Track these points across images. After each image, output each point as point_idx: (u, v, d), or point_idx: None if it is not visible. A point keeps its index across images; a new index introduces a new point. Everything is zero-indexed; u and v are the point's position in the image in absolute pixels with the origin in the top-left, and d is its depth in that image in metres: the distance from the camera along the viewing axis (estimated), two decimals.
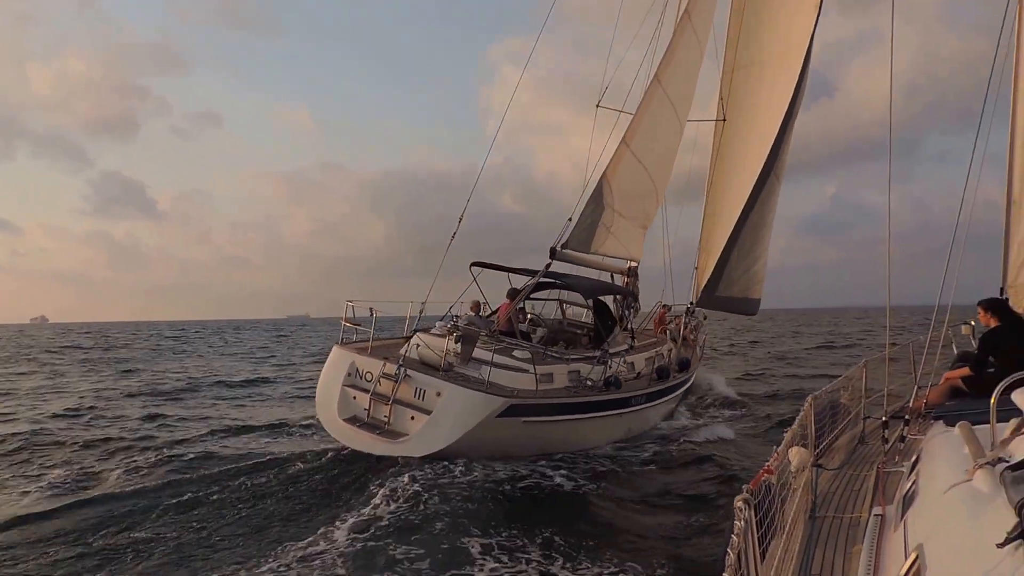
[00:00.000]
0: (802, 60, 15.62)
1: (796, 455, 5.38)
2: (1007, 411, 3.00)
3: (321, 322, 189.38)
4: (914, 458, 4.32)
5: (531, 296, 15.09)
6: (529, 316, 15.63)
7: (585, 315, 16.76)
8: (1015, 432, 2.57)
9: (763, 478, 3.86)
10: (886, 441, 6.13)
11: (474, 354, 11.83)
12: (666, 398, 15.30)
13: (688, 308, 18.80)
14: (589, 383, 12.58)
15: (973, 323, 8.39)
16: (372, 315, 12.33)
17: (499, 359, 11.53)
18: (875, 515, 4.26)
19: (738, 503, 2.94)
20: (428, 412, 10.85)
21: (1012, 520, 1.86)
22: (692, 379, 17.82)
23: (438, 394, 10.89)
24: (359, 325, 12.50)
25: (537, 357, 12.14)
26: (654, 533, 8.73)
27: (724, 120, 18.29)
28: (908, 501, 3.39)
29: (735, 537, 2.73)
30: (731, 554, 2.63)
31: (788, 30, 16.33)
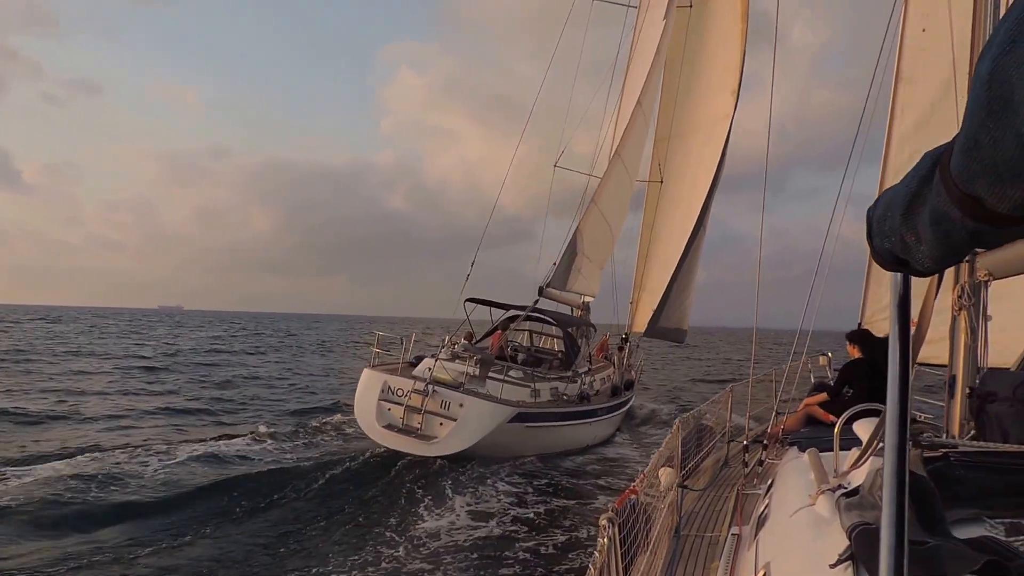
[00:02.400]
0: (725, 133, 19.54)
1: (665, 475, 5.63)
2: (850, 440, 3.23)
3: (196, 317, 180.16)
4: (770, 481, 4.56)
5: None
6: (509, 343, 18.66)
7: (548, 341, 20.57)
8: (855, 461, 2.77)
9: (628, 497, 4.02)
10: (746, 465, 6.44)
11: (468, 373, 14.71)
12: (620, 411, 19.03)
13: (623, 337, 22.35)
14: (566, 397, 16.37)
15: (830, 354, 8.98)
16: (403, 343, 16.18)
17: (505, 377, 14.89)
18: (732, 534, 4.48)
19: (602, 521, 3.05)
20: (454, 419, 13.63)
21: (844, 543, 2.02)
22: (633, 397, 21.17)
23: (461, 405, 13.77)
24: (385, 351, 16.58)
25: (528, 376, 15.55)
26: (539, 545, 9.26)
27: (661, 181, 22.38)
28: (761, 522, 3.59)
29: (598, 554, 2.84)
30: (592, 570, 2.74)
31: (713, 108, 20.41)
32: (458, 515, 10.51)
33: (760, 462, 6.12)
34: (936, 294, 1.88)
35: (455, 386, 14.19)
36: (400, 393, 14.34)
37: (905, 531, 1.16)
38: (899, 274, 1.25)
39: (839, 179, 6.88)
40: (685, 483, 6.44)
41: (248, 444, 15.12)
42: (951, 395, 3.85)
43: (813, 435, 4.78)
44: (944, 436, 3.56)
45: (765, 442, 6.30)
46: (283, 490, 11.55)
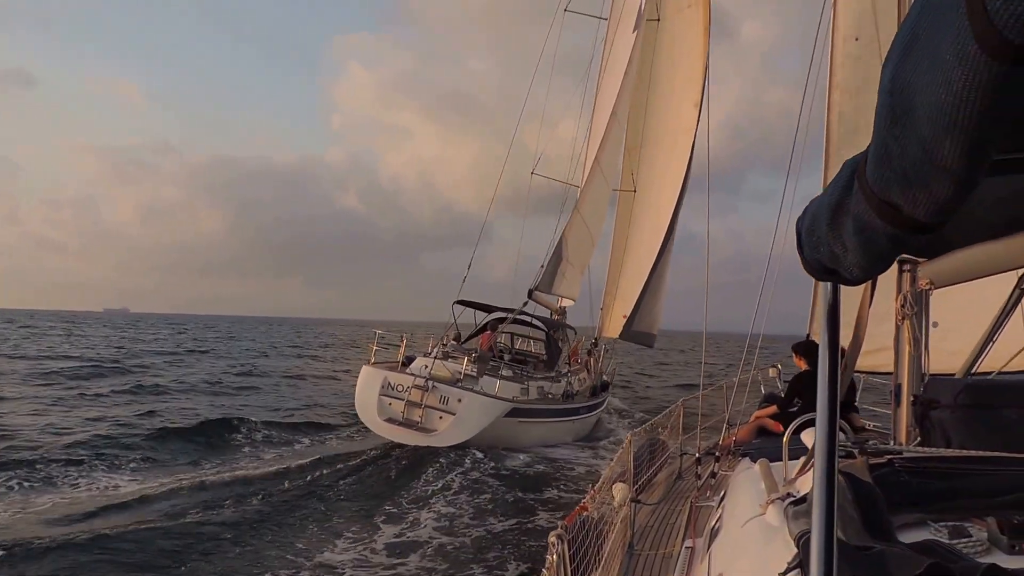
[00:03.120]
0: (690, 145, 20.33)
1: (618, 491, 5.60)
2: (799, 450, 3.25)
3: (145, 319, 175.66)
4: (722, 493, 4.58)
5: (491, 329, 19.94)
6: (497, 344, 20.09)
7: (527, 343, 21.89)
8: (802, 470, 2.78)
9: (578, 514, 3.98)
10: (699, 477, 6.47)
11: (465, 371, 15.88)
12: (599, 411, 20.55)
13: (593, 341, 23.59)
14: (551, 396, 17.63)
15: (779, 366, 9.10)
16: (403, 341, 17.82)
17: (500, 376, 16.30)
18: (686, 547, 4.47)
19: (551, 538, 3.02)
20: (452, 413, 14.95)
21: (792, 551, 2.02)
22: (608, 398, 22.66)
23: (459, 400, 15.07)
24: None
25: (519, 375, 17.19)
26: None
27: (635, 191, 23.43)
28: (714, 534, 3.59)
29: (546, 571, 2.80)
30: None
31: (677, 120, 21.34)
32: (423, 522, 10.59)
33: (713, 474, 6.15)
34: (870, 303, 1.90)
35: (452, 382, 15.52)
36: (400, 388, 15.55)
37: (834, 531, 1.17)
38: (829, 284, 1.27)
39: (790, 181, 7.00)
40: (638, 498, 6.44)
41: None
42: (897, 403, 3.91)
43: (764, 446, 4.81)
44: (892, 444, 3.60)
45: (717, 454, 6.35)
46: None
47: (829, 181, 1.11)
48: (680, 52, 21.71)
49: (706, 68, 20.34)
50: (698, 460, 6.62)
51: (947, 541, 2.01)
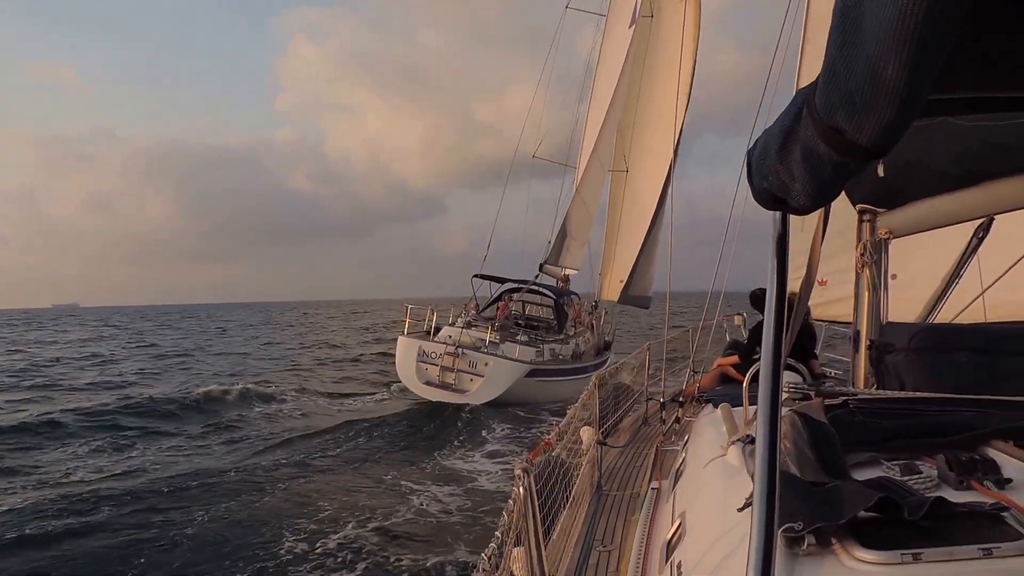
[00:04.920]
0: (680, 123, 20.63)
1: (585, 434, 5.74)
2: (758, 395, 3.34)
3: (93, 313, 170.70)
4: (686, 437, 4.70)
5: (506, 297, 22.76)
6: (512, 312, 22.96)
7: (536, 309, 24.45)
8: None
9: (543, 450, 4.07)
10: (664, 422, 6.61)
11: (489, 338, 18.49)
12: (604, 368, 20.55)
13: (594, 304, 26.46)
14: (561, 357, 20.65)
15: (744, 314, 9.24)
16: (432, 315, 20.03)
17: (517, 341, 19.04)
18: (652, 488, 4.60)
19: (517, 471, 3.08)
20: (481, 376, 17.74)
21: (751, 488, 2.11)
22: (611, 356, 24.49)
23: (486, 364, 17.88)
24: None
25: (533, 340, 20.00)
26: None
27: (627, 171, 25.75)
28: (678, 475, 3.70)
29: (512, 502, 2.88)
30: (505, 517, 2.78)
31: (667, 105, 21.81)
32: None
33: (677, 419, 6.28)
34: (822, 237, 1.94)
35: (477, 348, 18.27)
36: (434, 355, 18.22)
37: (777, 462, 1.20)
38: (778, 213, 1.27)
39: (744, 144, 7.02)
40: (605, 440, 6.58)
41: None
42: (855, 349, 4.02)
43: (727, 392, 4.93)
44: (850, 387, 3.72)
45: (682, 400, 6.46)
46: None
47: None
48: (671, 45, 22.74)
49: (694, 59, 21.95)
50: (663, 405, 6.76)
51: (898, 478, 2.10)
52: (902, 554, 1.49)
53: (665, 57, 23.24)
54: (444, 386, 17.81)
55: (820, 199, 1.04)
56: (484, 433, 15.28)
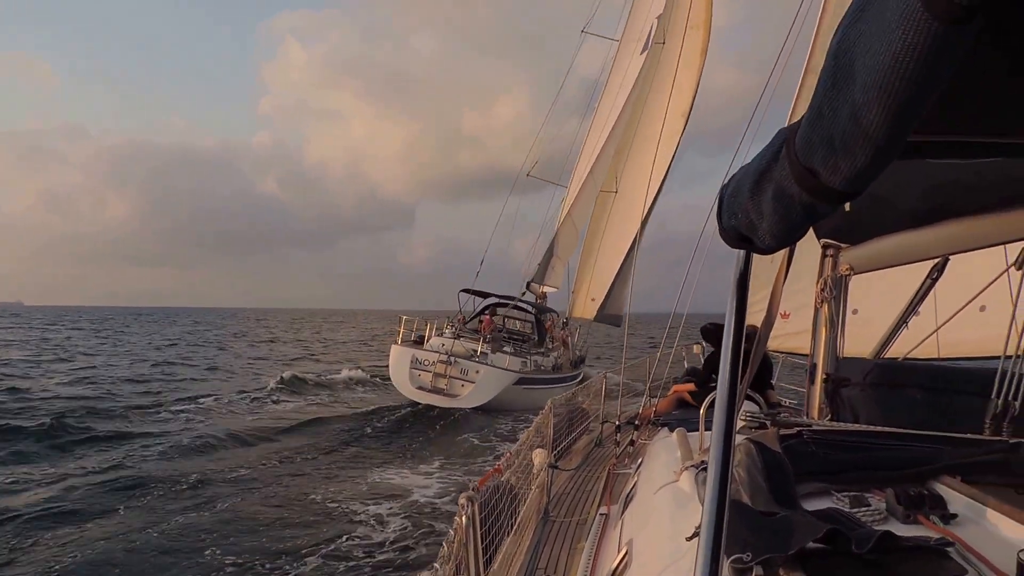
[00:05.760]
0: (673, 150, 22.96)
1: (537, 456, 5.67)
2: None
3: (36, 313, 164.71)
4: (639, 460, 4.67)
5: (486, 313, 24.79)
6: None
7: (514, 323, 26.12)
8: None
9: (492, 476, 4.00)
10: (618, 444, 6.59)
11: (480, 348, 20.03)
12: (578, 379, 23.03)
13: (564, 321, 28.39)
14: (542, 368, 22.81)
15: (704, 343, 9.32)
16: (415, 326, 22.24)
17: (505, 352, 20.73)
18: (601, 514, 4.56)
19: (462, 500, 3.02)
20: (472, 383, 19.19)
21: (701, 516, 2.07)
22: (585, 369, 27.18)
23: (477, 372, 19.38)
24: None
25: (519, 351, 21.82)
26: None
27: (616, 192, 26.16)
28: (628, 500, 3.66)
29: (453, 531, 2.81)
30: (445, 547, 2.71)
31: (666, 128, 21.43)
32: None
33: (632, 442, 6.27)
34: (784, 278, 1.95)
35: (467, 357, 19.67)
36: (427, 363, 19.64)
37: (727, 493, 1.20)
38: (742, 252, 1.28)
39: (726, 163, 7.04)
40: (556, 463, 6.53)
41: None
42: (811, 381, 4.05)
43: (683, 417, 4.92)
44: (804, 419, 3.73)
45: (637, 423, 6.46)
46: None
47: None
48: (679, 68, 23.11)
49: (697, 83, 22.98)
50: (618, 428, 6.75)
51: (847, 509, 2.09)
52: None
53: (669, 81, 23.27)
54: (436, 391, 19.19)
55: (785, 240, 1.05)
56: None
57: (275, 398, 22.59)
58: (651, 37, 23.45)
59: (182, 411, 19.43)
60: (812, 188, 0.87)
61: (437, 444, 15.56)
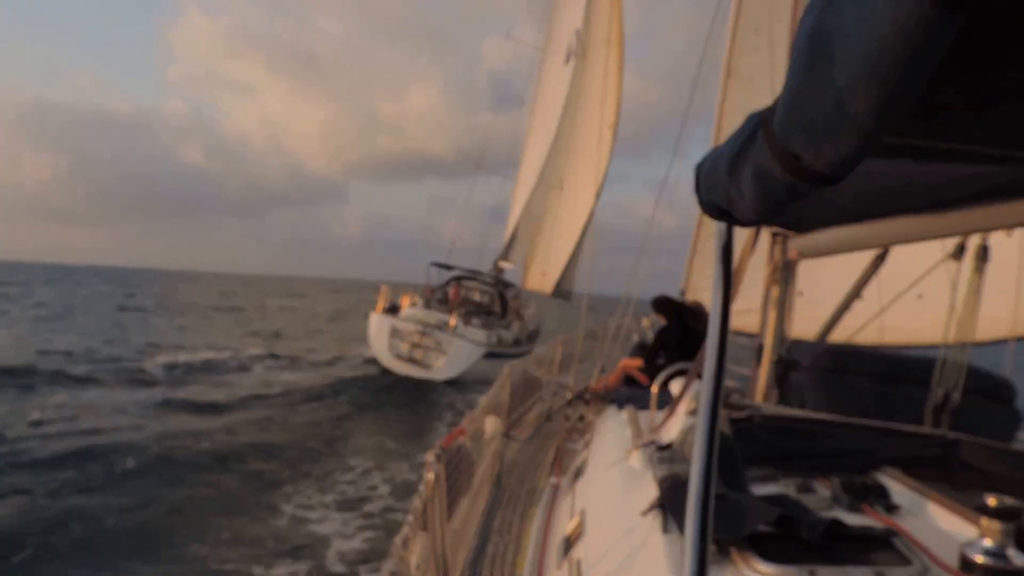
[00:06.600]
0: (607, 155, 24.46)
1: (490, 424, 5.77)
2: (666, 401, 3.44)
3: None
4: (588, 436, 4.78)
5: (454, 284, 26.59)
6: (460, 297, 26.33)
7: (478, 295, 27.59)
8: (667, 418, 2.94)
9: (456, 438, 4.08)
10: (568, 419, 6.69)
11: (451, 322, 20.78)
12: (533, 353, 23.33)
13: (517, 294, 30.09)
14: (504, 341, 24.32)
15: (653, 317, 9.45)
16: (396, 299, 21.87)
17: (473, 325, 21.95)
18: (551, 484, 4.67)
19: (429, 457, 3.09)
20: (445, 354, 19.86)
21: (655, 494, 2.16)
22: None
23: (451, 344, 20.05)
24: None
25: (486, 324, 23.04)
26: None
27: (561, 188, 28.78)
28: (579, 473, 3.76)
29: (424, 487, 2.88)
30: (418, 501, 2.78)
31: (595, 136, 24.27)
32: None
33: (580, 418, 6.37)
34: (752, 250, 2.00)
35: (439, 328, 20.45)
36: (405, 333, 20.31)
37: (713, 478, 1.21)
38: (723, 223, 1.30)
39: (639, 165, 7.33)
40: (509, 433, 6.63)
41: None
42: (758, 362, 4.16)
43: (632, 394, 5.03)
44: (755, 402, 3.85)
45: (587, 398, 6.53)
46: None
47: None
48: (599, 82, 26.45)
49: (619, 97, 25.31)
50: (568, 403, 6.84)
51: (794, 495, 2.19)
52: (798, 570, 1.56)
53: (592, 93, 26.72)
54: (412, 360, 19.94)
55: (766, 216, 1.06)
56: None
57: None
58: (572, 50, 26.60)
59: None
60: (796, 170, 0.87)
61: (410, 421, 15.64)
